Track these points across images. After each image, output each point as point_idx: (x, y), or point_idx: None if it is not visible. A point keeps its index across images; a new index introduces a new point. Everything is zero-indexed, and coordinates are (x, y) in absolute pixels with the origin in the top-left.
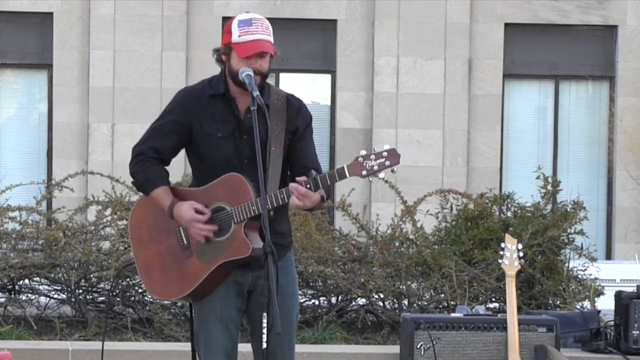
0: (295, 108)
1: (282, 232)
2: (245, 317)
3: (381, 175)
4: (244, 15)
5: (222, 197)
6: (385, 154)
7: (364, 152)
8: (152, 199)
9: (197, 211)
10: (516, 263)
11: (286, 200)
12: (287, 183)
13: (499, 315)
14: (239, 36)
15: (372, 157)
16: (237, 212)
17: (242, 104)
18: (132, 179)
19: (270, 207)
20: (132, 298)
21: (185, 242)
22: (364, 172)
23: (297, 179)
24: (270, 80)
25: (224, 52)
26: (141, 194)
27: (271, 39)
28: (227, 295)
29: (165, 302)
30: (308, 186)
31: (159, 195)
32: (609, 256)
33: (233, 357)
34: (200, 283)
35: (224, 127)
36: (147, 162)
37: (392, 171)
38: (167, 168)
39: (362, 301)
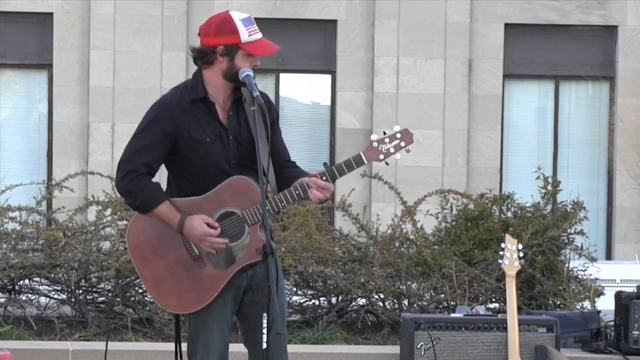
0: (266, 103)
1: (271, 229)
2: (236, 317)
3: (397, 156)
4: (241, 14)
5: (229, 202)
6: (398, 135)
7: (375, 137)
8: (155, 217)
9: (209, 225)
10: (516, 263)
11: (302, 196)
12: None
13: (499, 315)
14: (249, 35)
15: (387, 140)
16: (250, 215)
17: (220, 106)
18: (125, 199)
19: (286, 204)
20: (132, 298)
21: (196, 252)
22: (381, 156)
23: (312, 173)
24: (270, 80)
25: (226, 53)
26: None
27: None
28: (224, 301)
29: None
30: (324, 178)
31: (163, 213)
32: (609, 256)
33: (226, 358)
34: (220, 291)
35: (211, 132)
36: (141, 179)
37: (407, 151)
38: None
39: (362, 301)
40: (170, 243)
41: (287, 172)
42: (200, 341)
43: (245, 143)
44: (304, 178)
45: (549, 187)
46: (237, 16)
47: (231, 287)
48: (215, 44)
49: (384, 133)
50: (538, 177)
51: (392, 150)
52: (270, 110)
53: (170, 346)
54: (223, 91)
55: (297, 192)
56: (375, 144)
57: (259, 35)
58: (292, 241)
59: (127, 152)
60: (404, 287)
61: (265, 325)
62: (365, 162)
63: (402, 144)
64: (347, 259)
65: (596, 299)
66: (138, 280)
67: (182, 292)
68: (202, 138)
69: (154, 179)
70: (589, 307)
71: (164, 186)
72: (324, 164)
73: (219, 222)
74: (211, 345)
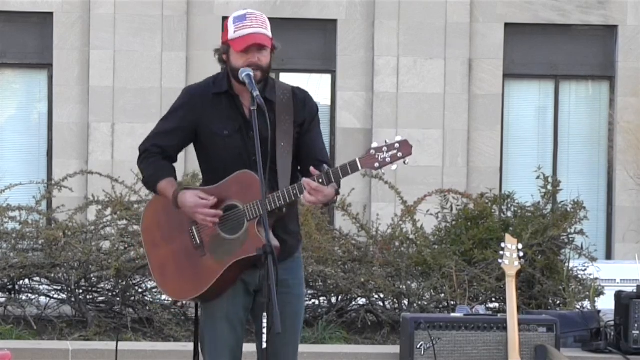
0: (300, 100)
1: (293, 230)
2: (250, 317)
3: (393, 167)
4: (239, 12)
5: (234, 195)
6: (397, 145)
7: (375, 145)
8: (160, 194)
9: (201, 198)
10: (516, 263)
11: (299, 195)
12: (298, 179)
13: (499, 315)
14: (235, 32)
15: (385, 149)
16: (250, 209)
17: (246, 101)
18: (141, 178)
19: (284, 203)
20: (132, 298)
21: (198, 241)
22: (377, 165)
23: (311, 170)
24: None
25: (224, 51)
26: (152, 194)
27: (268, 32)
28: (234, 294)
29: (166, 302)
30: (320, 180)
31: (163, 188)
32: (609, 256)
33: (238, 356)
34: (214, 282)
35: (230, 126)
36: (152, 157)
37: (405, 162)
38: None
39: (362, 301)
40: (177, 229)
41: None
42: (209, 334)
43: (264, 141)
44: (304, 178)
45: (549, 187)
46: (234, 14)
47: (240, 282)
48: (221, 43)
49: (385, 141)
50: (538, 177)
51: (388, 159)
52: (305, 108)
53: (170, 346)
54: (245, 88)
55: (294, 191)
56: (372, 152)
57: (246, 31)
58: None
59: (147, 136)
60: (404, 287)
61: (265, 325)
62: (360, 168)
63: (400, 154)
64: (347, 259)
65: (596, 299)
66: (137, 280)
67: (181, 280)
68: (219, 131)
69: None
70: (589, 307)
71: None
72: (322, 165)
73: (223, 213)
74: (219, 338)
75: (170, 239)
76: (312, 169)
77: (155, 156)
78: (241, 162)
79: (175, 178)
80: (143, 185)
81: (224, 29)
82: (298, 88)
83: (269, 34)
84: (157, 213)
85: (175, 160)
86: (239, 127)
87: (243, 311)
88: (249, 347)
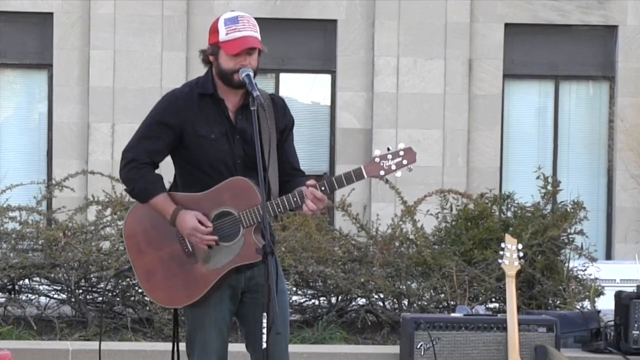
0: (281, 107)
1: (271, 230)
2: (237, 319)
3: (398, 174)
4: (230, 14)
5: (228, 202)
6: (401, 152)
7: (379, 152)
8: (152, 207)
9: (201, 222)
10: (516, 263)
11: (299, 204)
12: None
13: (499, 315)
14: (227, 34)
15: (389, 156)
16: (246, 217)
17: (231, 104)
18: (125, 186)
19: (283, 210)
20: (132, 298)
21: (190, 248)
22: (382, 172)
23: (310, 181)
24: (270, 80)
25: (211, 53)
26: (134, 200)
27: (258, 35)
28: (221, 300)
29: None
30: (323, 188)
31: (159, 204)
32: (609, 256)
33: (224, 358)
34: (210, 288)
35: (217, 129)
36: (142, 168)
37: (409, 170)
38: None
39: (362, 301)
40: (166, 236)
41: (294, 181)
42: (198, 340)
43: (252, 144)
44: (302, 187)
45: (549, 187)
46: (224, 16)
47: (227, 287)
48: (208, 44)
49: (388, 149)
50: (538, 177)
51: (393, 167)
52: (285, 115)
53: (170, 346)
54: (231, 90)
55: (295, 199)
56: (377, 160)
57: (239, 34)
58: (292, 241)
59: (131, 141)
60: (404, 287)
61: (265, 325)
62: (366, 176)
63: (405, 162)
64: (347, 259)
65: (596, 299)
66: (137, 281)
67: (172, 287)
68: (206, 134)
69: (157, 171)
70: (589, 307)
71: (170, 180)
72: (324, 174)
73: (215, 220)
74: (208, 344)
75: (157, 246)
76: (310, 182)
77: (145, 167)
78: (225, 166)
79: (166, 190)
80: (127, 194)
81: (213, 30)
82: (276, 95)
83: (259, 36)
84: (142, 220)
85: (158, 166)
86: (225, 130)
87: (229, 315)
88: (241, 347)
